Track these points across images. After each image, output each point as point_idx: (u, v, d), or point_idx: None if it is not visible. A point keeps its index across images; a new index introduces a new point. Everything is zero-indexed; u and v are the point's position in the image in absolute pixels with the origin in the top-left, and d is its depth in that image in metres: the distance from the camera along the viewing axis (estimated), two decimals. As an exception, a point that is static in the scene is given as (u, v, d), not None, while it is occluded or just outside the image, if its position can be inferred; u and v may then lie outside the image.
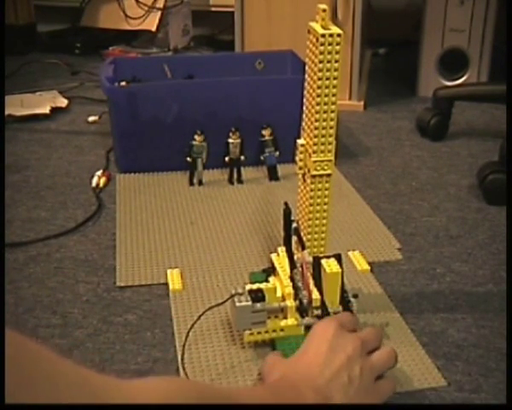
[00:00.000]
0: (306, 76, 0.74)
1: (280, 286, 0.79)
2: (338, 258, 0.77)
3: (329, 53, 0.70)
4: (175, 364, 0.76)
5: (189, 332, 0.77)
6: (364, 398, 0.65)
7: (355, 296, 0.79)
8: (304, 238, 0.79)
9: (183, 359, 0.76)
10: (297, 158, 0.78)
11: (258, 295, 0.75)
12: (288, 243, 0.80)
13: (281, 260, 0.82)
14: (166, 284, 0.92)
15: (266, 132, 1.24)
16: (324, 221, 0.79)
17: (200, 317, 0.78)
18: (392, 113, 1.69)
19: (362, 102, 1.71)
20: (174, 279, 0.92)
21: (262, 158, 1.26)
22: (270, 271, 0.83)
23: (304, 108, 0.76)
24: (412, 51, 1.87)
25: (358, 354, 0.66)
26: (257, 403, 0.59)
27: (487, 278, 0.94)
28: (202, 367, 0.75)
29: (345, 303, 0.78)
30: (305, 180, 0.79)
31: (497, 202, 1.16)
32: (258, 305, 0.75)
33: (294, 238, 0.79)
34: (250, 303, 0.74)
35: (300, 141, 0.77)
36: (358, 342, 0.67)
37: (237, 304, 0.74)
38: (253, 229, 1.08)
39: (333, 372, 0.63)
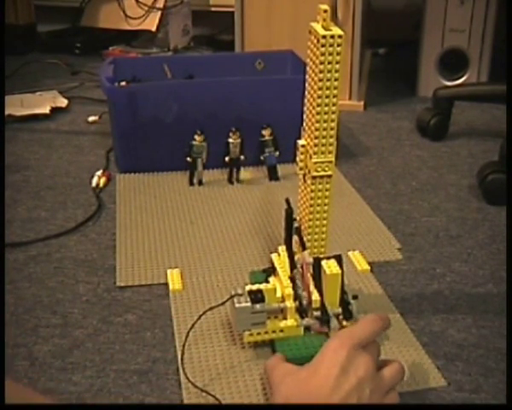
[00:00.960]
0: (307, 76, 0.74)
1: (280, 287, 0.79)
2: (338, 259, 0.77)
3: (330, 54, 0.70)
4: (175, 364, 0.77)
5: (188, 332, 0.77)
6: None
7: (355, 297, 0.79)
8: (304, 239, 0.79)
9: (182, 359, 0.76)
10: (297, 159, 0.78)
11: (257, 296, 0.75)
12: (288, 243, 0.80)
13: (281, 260, 0.82)
14: (166, 284, 0.92)
15: (266, 132, 1.23)
16: (325, 222, 0.79)
17: (200, 317, 0.78)
18: (392, 113, 1.69)
19: (362, 102, 1.71)
20: (174, 279, 0.92)
21: (262, 158, 1.25)
22: (270, 271, 0.83)
23: (304, 108, 0.76)
24: (412, 51, 1.87)
25: (370, 375, 0.64)
26: None
27: (487, 278, 0.94)
28: (202, 367, 0.75)
29: (345, 305, 0.78)
30: (305, 181, 0.78)
31: (497, 202, 1.16)
32: (258, 306, 0.75)
33: (295, 238, 0.79)
34: (249, 304, 0.74)
35: (301, 142, 0.77)
36: (371, 363, 0.65)
37: (237, 305, 0.74)
38: (252, 229, 1.08)
39: (342, 397, 0.62)
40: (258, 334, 0.77)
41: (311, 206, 0.78)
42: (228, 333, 0.81)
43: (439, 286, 0.93)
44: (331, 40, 0.69)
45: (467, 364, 0.77)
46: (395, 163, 1.37)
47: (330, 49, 0.70)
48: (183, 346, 0.77)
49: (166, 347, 0.80)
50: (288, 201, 0.80)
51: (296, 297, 0.77)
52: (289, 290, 0.77)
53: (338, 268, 0.76)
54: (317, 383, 0.63)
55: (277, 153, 1.24)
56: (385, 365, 0.68)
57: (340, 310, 0.77)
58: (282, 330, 0.77)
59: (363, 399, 0.63)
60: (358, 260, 0.97)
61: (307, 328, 0.78)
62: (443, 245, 1.04)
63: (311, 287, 0.77)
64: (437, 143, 1.48)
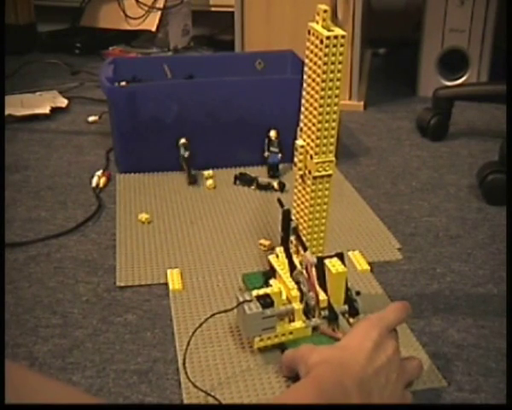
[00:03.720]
0: (306, 77, 0.74)
1: (284, 289, 0.79)
2: (340, 257, 0.77)
3: (333, 54, 0.70)
4: (175, 364, 0.77)
5: (191, 338, 0.77)
6: (394, 403, 0.65)
7: (358, 293, 0.79)
8: (303, 238, 0.79)
9: (184, 363, 0.75)
10: (296, 159, 0.78)
11: (266, 301, 0.75)
12: (286, 244, 0.80)
13: (280, 261, 0.82)
14: (166, 284, 0.92)
15: (273, 134, 1.23)
16: (324, 221, 0.79)
17: (202, 323, 0.77)
18: (392, 113, 1.69)
19: (362, 102, 1.71)
20: (174, 279, 0.92)
21: (266, 155, 1.25)
22: (270, 273, 0.83)
23: (302, 109, 0.76)
24: (412, 51, 1.87)
25: (397, 358, 0.66)
26: (304, 404, 0.58)
27: (487, 278, 0.94)
28: (202, 368, 0.75)
29: (350, 302, 0.78)
30: (304, 181, 0.78)
31: (497, 202, 1.16)
32: (268, 311, 0.75)
33: (292, 238, 0.79)
34: (260, 310, 0.74)
35: (300, 142, 0.77)
36: (398, 348, 0.67)
37: (248, 312, 0.74)
38: (253, 229, 1.08)
39: (374, 370, 0.63)
40: (269, 338, 0.77)
41: (311, 206, 0.78)
42: (229, 335, 0.81)
43: (439, 286, 0.93)
44: (334, 41, 0.69)
45: (467, 364, 0.77)
46: (395, 163, 1.37)
47: (334, 49, 0.70)
48: (185, 351, 0.76)
49: (166, 347, 0.80)
50: (279, 200, 0.80)
51: (301, 298, 0.77)
52: (295, 292, 0.77)
53: (343, 266, 0.76)
54: (353, 352, 0.65)
55: (280, 155, 1.24)
56: (406, 359, 0.69)
57: (346, 307, 0.78)
58: (291, 333, 0.77)
59: (390, 380, 0.64)
60: (358, 260, 0.97)
61: (315, 328, 0.78)
62: (443, 245, 1.04)
63: (317, 287, 0.76)
64: (437, 143, 1.47)
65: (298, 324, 0.77)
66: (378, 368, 0.64)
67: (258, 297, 0.75)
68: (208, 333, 0.81)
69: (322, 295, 0.76)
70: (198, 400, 0.71)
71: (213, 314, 0.78)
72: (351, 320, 0.78)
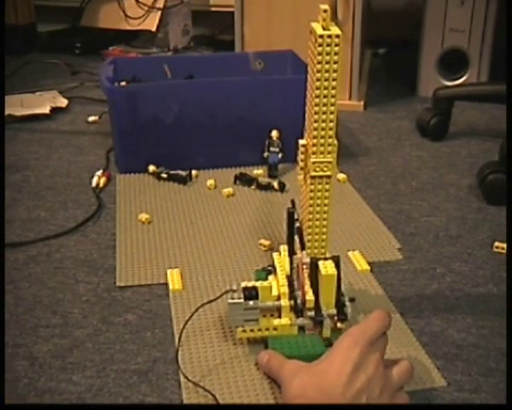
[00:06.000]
0: (308, 77, 0.74)
1: (276, 285, 0.79)
2: (336, 260, 0.77)
3: (328, 53, 0.70)
4: (175, 364, 0.76)
5: (182, 330, 0.78)
6: None
7: (352, 300, 0.79)
8: (305, 239, 0.79)
9: (177, 355, 0.76)
10: (298, 158, 0.78)
11: (251, 293, 0.76)
12: (290, 243, 0.80)
13: (281, 259, 0.82)
14: (166, 284, 0.92)
15: (275, 134, 1.23)
16: (325, 222, 0.79)
17: (193, 314, 0.78)
18: (392, 113, 1.69)
19: (362, 102, 1.71)
20: (174, 279, 0.92)
21: (265, 155, 1.25)
22: (270, 270, 0.83)
23: (306, 108, 0.76)
24: (412, 51, 1.87)
25: (380, 374, 0.65)
26: None
27: (487, 278, 0.94)
28: (201, 365, 0.75)
29: (340, 306, 0.77)
30: (306, 181, 0.78)
31: (497, 202, 1.16)
32: (251, 303, 0.75)
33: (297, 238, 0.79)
34: (242, 300, 0.75)
35: (302, 141, 0.77)
36: (380, 362, 0.66)
37: (229, 301, 0.75)
38: (252, 229, 1.08)
39: (353, 395, 0.63)
40: (252, 331, 0.77)
41: (310, 206, 0.77)
42: (227, 330, 0.81)
43: (439, 286, 0.93)
44: (328, 40, 0.69)
45: (467, 364, 0.77)
46: (395, 163, 1.37)
47: (328, 48, 0.69)
48: (179, 339, 0.77)
49: (166, 347, 0.80)
50: (292, 201, 0.80)
51: (291, 296, 0.77)
52: (285, 289, 0.77)
53: (334, 269, 0.76)
54: (331, 379, 0.64)
55: (280, 155, 1.24)
56: (393, 364, 0.68)
57: (334, 311, 0.77)
58: (275, 329, 0.77)
59: (372, 398, 0.63)
60: (358, 260, 0.97)
61: (301, 327, 0.78)
62: (443, 245, 1.04)
63: (306, 287, 0.76)
64: (437, 143, 1.47)
65: (283, 320, 0.77)
66: (357, 391, 0.63)
67: (245, 289, 0.76)
68: (208, 330, 0.81)
69: (309, 295, 0.76)
70: (198, 399, 0.71)
71: (203, 304, 0.79)
72: (338, 325, 0.77)
